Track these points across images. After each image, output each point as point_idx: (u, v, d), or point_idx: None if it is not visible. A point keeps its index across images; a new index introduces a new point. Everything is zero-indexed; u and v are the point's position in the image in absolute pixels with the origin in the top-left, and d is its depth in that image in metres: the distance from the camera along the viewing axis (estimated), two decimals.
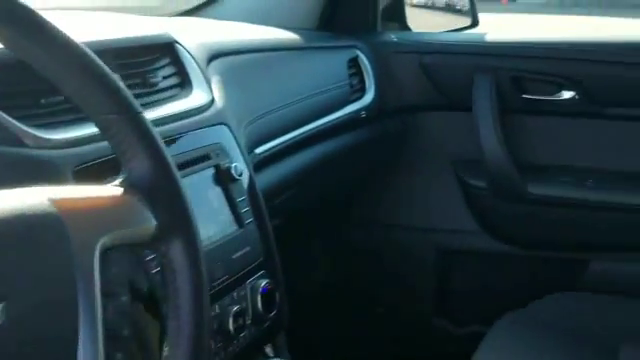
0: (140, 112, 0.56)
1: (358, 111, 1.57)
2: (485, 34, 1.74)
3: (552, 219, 1.63)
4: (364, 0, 1.71)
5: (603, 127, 1.61)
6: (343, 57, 1.56)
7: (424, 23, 2.18)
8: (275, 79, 1.33)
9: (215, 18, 1.55)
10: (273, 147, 1.25)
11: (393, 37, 1.72)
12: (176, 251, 0.55)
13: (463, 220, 1.74)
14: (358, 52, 1.61)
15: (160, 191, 0.55)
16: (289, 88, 1.35)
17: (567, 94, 1.59)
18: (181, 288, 0.55)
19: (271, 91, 1.29)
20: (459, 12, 2.12)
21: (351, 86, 1.57)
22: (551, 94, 1.61)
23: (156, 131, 0.57)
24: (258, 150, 1.20)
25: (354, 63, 1.60)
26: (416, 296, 1.83)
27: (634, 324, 1.34)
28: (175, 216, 0.56)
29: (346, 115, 1.52)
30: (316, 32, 1.62)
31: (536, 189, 1.61)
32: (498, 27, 1.68)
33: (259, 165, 1.19)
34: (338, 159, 1.52)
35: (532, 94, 1.62)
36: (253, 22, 1.52)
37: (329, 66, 1.53)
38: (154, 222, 0.54)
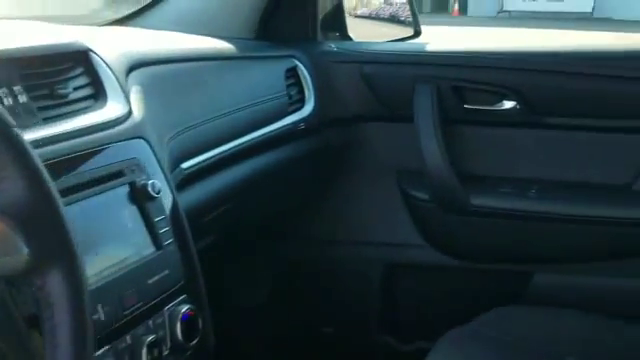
0: (13, 126, 0.49)
1: (297, 123, 1.52)
2: (426, 44, 1.71)
3: (495, 231, 1.61)
4: (303, 9, 1.67)
5: (545, 137, 1.60)
6: (280, 67, 1.51)
7: (367, 33, 2.16)
8: (204, 90, 1.27)
9: (146, 27, 1.48)
10: (202, 162, 1.18)
11: (333, 47, 1.68)
12: (54, 284, 0.48)
13: (407, 233, 1.70)
14: (297, 62, 1.56)
15: (35, 217, 0.48)
16: (220, 99, 1.29)
17: (508, 104, 1.57)
18: (59, 326, 0.48)
19: (199, 103, 1.23)
20: (402, 23, 2.10)
21: (289, 97, 1.51)
22: (492, 104, 1.58)
23: (33, 149, 0.50)
24: (184, 165, 1.13)
25: (293, 73, 1.55)
26: (361, 313, 1.78)
27: (579, 337, 1.32)
28: (53, 244, 0.49)
29: (284, 127, 1.47)
30: (252, 41, 1.57)
31: (478, 200, 1.58)
32: (448, 38, 1.64)
33: (186, 181, 1.13)
34: (276, 173, 1.46)
35: (473, 104, 1.60)
36: (186, 31, 1.46)
37: (265, 76, 1.47)
38: (27, 251, 0.47)
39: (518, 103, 1.56)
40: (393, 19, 2.26)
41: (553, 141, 1.59)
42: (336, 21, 1.81)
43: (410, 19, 2.01)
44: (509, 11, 17.17)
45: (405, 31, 2.02)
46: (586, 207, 1.53)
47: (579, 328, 1.37)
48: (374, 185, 1.73)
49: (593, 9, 16.47)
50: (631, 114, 1.51)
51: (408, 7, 2.04)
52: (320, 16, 1.73)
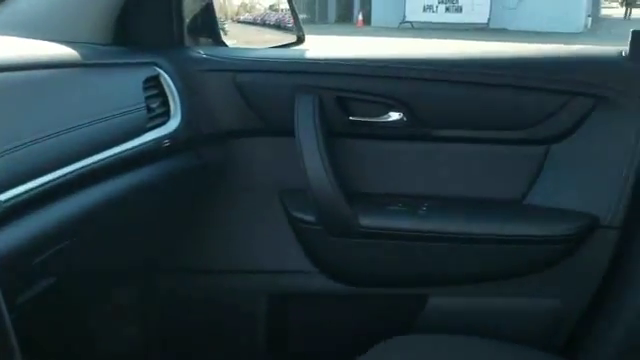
0: None
1: (160, 140, 1.32)
2: (306, 50, 1.56)
3: (387, 252, 1.47)
4: (166, 12, 1.47)
5: (434, 150, 1.48)
6: (138, 76, 1.31)
7: (249, 40, 2.01)
8: (37, 104, 1.05)
9: None
10: (29, 191, 0.97)
11: (202, 53, 1.50)
12: None
13: (294, 259, 1.54)
14: (159, 70, 1.37)
15: None
16: (56, 115, 1.08)
17: (395, 115, 1.45)
18: None
19: (30, 119, 1.02)
20: (287, 29, 1.96)
21: (149, 110, 1.31)
22: (379, 116, 1.45)
23: None
24: (3, 196, 0.92)
25: (154, 83, 1.35)
26: (247, 350, 1.60)
27: None
28: None
29: (143, 145, 1.27)
30: (105, 47, 1.36)
31: (367, 220, 1.45)
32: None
33: (7, 216, 0.92)
34: (135, 198, 1.26)
35: (359, 116, 1.46)
36: (33, 37, 1.24)
37: (117, 87, 1.27)
38: None
39: (405, 115, 1.44)
40: (278, 25, 2.11)
41: (443, 154, 1.48)
42: (207, 26, 1.63)
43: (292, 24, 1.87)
44: (411, 22, 17.57)
45: (288, 38, 1.87)
46: (478, 224, 1.42)
47: (476, 356, 1.25)
48: (255, 207, 1.56)
49: (489, 20, 17.11)
50: (520, 125, 1.42)
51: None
52: (188, 20, 1.54)
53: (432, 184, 1.49)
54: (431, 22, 17.25)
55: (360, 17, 18.67)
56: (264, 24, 2.22)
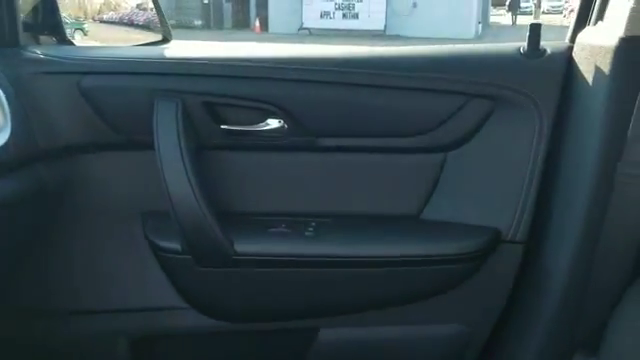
0: None
1: None
2: (167, 49, 1.34)
3: (269, 282, 1.27)
4: None
5: (320, 162, 1.30)
6: None
7: (110, 40, 1.78)
8: None
9: None
10: None
11: (39, 53, 1.24)
12: None
13: (162, 295, 1.32)
14: None
15: None
16: None
17: (274, 123, 1.25)
18: None
19: None
20: (156, 29, 1.72)
21: None
22: (254, 124, 1.25)
23: None
24: None
25: None
26: None
27: None
28: None
29: None
30: None
31: (244, 247, 1.24)
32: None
33: None
34: None
35: (231, 124, 1.25)
36: None
37: None
38: None
39: (285, 122, 1.24)
40: (147, 26, 1.87)
41: (330, 166, 1.30)
42: (49, 23, 1.37)
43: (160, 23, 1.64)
44: (309, 28, 17.56)
45: (153, 37, 1.64)
46: (372, 245, 1.25)
47: None
48: (112, 235, 1.31)
49: (385, 27, 17.40)
50: (413, 131, 1.25)
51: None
52: (24, 16, 1.28)
53: (319, 201, 1.30)
54: (329, 29, 17.31)
55: (257, 23, 18.46)
56: (131, 24, 1.98)
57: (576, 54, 1.17)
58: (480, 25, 18.83)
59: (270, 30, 18.31)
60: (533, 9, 26.11)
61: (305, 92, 1.23)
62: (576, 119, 1.15)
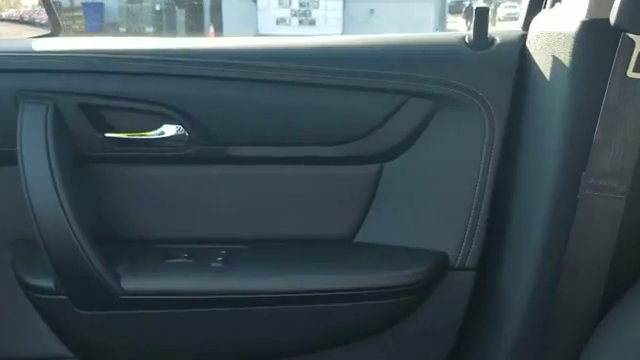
0: None
1: None
2: (37, 41, 1.10)
3: (166, 326, 1.04)
4: None
5: (230, 176, 1.08)
6: None
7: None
8: None
9: None
10: None
11: None
12: None
13: (36, 342, 1.07)
14: None
15: None
16: None
17: (170, 129, 1.02)
18: None
19: None
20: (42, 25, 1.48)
21: None
22: (147, 130, 1.02)
23: None
24: None
25: None
26: None
27: None
28: None
29: None
30: None
31: (134, 283, 1.01)
32: None
33: None
34: None
35: (118, 131, 1.02)
36: None
37: None
38: None
39: (186, 128, 1.02)
40: (36, 22, 1.65)
41: (242, 181, 1.08)
42: None
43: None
44: (264, 34, 17.36)
45: (42, 30, 1.39)
46: (294, 277, 1.03)
47: None
48: None
49: (342, 33, 17.31)
50: (343, 138, 1.04)
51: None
52: None
53: (229, 224, 1.08)
54: (285, 35, 17.16)
55: (211, 29, 18.13)
56: (33, 22, 1.75)
57: (530, 43, 0.96)
58: (437, 32, 18.90)
59: (224, 35, 18.04)
60: (490, 15, 26.40)
61: (208, 91, 1.01)
62: (532, 121, 0.94)
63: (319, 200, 1.07)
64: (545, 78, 0.89)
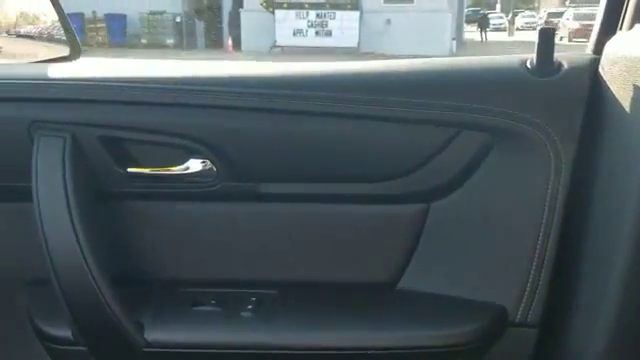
0: None
1: None
2: (56, 67, 1.02)
3: None
4: None
5: (260, 214, 0.98)
6: None
7: (24, 55, 1.49)
8: None
9: None
10: None
11: None
12: None
13: None
14: None
15: None
16: None
17: (197, 164, 0.93)
18: None
19: None
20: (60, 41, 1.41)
21: None
22: (172, 165, 0.93)
23: None
24: None
25: None
26: None
27: None
28: None
29: None
30: None
31: (158, 334, 0.91)
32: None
33: None
34: None
35: (141, 166, 0.93)
36: None
37: None
38: None
39: (214, 163, 0.92)
40: (55, 38, 1.58)
41: (275, 220, 0.98)
42: None
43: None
44: (281, 46, 17.34)
45: (61, 51, 1.32)
46: (331, 330, 0.92)
47: None
48: None
49: (358, 44, 17.25)
50: (384, 174, 0.93)
51: None
52: None
53: (259, 265, 0.98)
54: (301, 46, 17.07)
55: (230, 42, 18.15)
56: (52, 39, 1.69)
57: (604, 69, 0.85)
58: (454, 42, 18.73)
59: (243, 48, 18.03)
60: (507, 25, 26.05)
61: (237, 123, 0.91)
62: (608, 158, 0.83)
63: (357, 242, 0.97)
64: (623, 109, 0.78)
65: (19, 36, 1.76)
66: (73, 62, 1.13)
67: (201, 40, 19.62)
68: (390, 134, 0.91)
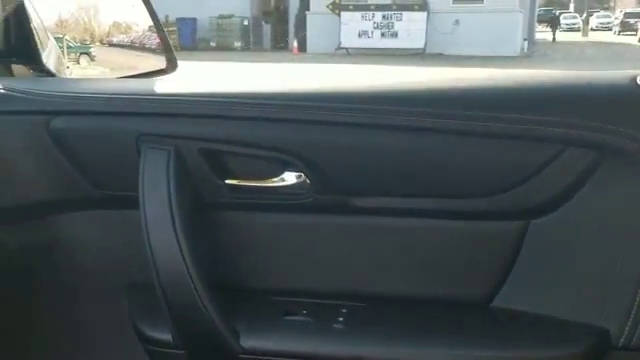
0: None
1: None
2: (160, 82, 1.07)
3: None
4: None
5: (353, 227, 1.00)
6: None
7: (117, 66, 1.56)
8: None
9: None
10: None
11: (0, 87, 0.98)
12: None
13: None
14: None
15: None
16: None
17: (292, 177, 0.96)
18: None
19: None
20: (156, 52, 1.47)
21: None
22: (268, 177, 0.96)
23: None
24: None
25: None
26: None
27: None
28: None
29: None
30: None
31: (254, 341, 0.94)
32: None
33: None
34: None
35: (239, 178, 0.97)
36: None
37: None
38: None
39: (307, 175, 0.95)
40: (157, 49, 1.64)
41: (367, 234, 0.99)
42: (21, 50, 1.12)
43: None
44: (346, 48, 17.35)
45: (158, 63, 1.38)
46: (424, 350, 0.93)
47: None
48: (93, 317, 1.04)
49: (425, 46, 17.05)
50: (483, 191, 0.93)
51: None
52: None
53: (352, 278, 1.00)
54: (366, 48, 17.04)
55: (295, 44, 18.32)
56: (144, 48, 1.75)
57: None
58: (526, 42, 18.31)
59: (308, 50, 18.16)
60: (581, 25, 25.26)
61: (332, 137, 0.94)
62: None
63: (452, 257, 0.97)
64: None
65: (111, 45, 1.84)
66: (176, 80, 1.17)
67: (267, 42, 19.90)
68: (492, 150, 0.90)
